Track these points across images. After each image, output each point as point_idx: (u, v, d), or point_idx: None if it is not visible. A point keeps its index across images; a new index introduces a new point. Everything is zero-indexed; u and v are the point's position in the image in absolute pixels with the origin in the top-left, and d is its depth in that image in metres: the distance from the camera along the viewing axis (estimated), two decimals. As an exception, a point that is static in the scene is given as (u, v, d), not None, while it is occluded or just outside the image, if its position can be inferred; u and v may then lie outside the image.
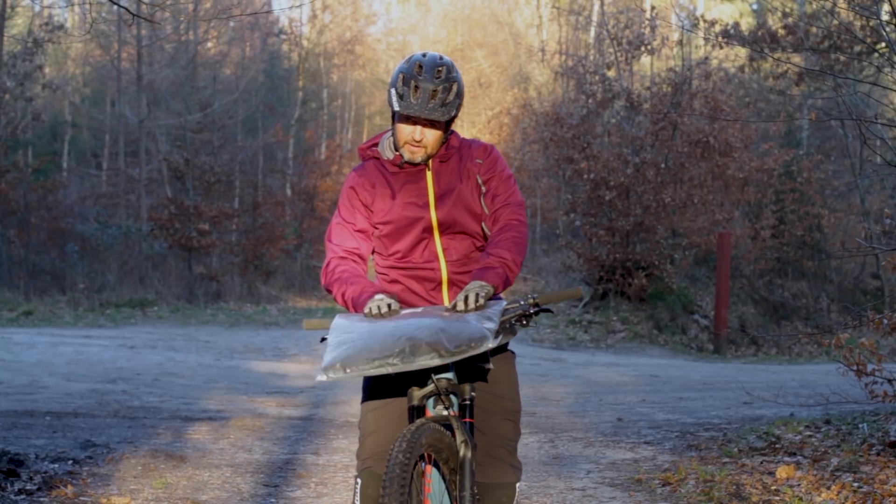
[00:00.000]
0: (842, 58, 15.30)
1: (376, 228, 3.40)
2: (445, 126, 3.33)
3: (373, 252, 3.46)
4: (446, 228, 3.35)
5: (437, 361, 2.91)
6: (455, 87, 3.27)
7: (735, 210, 19.95)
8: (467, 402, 3.17)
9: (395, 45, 33.37)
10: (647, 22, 20.34)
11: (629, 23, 20.46)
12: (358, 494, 3.22)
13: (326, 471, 6.11)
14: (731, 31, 18.51)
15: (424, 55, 3.30)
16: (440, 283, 3.37)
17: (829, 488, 5.28)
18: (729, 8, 28.39)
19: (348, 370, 2.92)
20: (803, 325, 19.49)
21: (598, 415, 8.63)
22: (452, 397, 3.18)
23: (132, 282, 20.71)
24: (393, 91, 3.27)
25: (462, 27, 31.25)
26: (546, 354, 14.32)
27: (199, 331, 16.01)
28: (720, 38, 17.77)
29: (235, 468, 6.09)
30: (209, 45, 28.38)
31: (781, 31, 18.22)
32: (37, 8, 25.48)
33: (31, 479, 5.42)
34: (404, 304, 3.32)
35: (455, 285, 3.37)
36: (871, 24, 12.22)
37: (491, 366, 3.17)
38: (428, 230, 3.35)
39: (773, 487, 5.42)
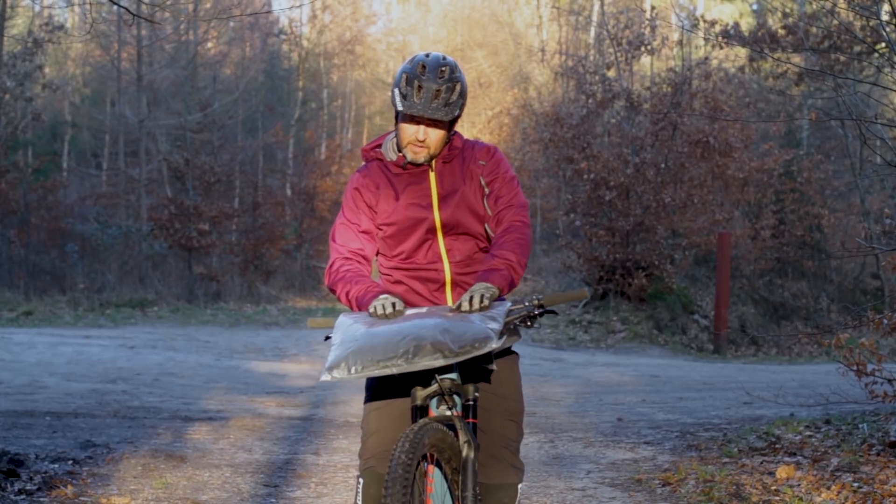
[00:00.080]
0: (842, 58, 15.29)
1: (380, 229, 3.40)
2: (449, 126, 3.34)
3: (377, 253, 3.47)
4: (450, 229, 3.35)
5: (441, 362, 2.91)
6: (458, 87, 3.27)
7: (735, 210, 19.95)
8: (471, 403, 3.17)
9: (395, 45, 33.38)
10: (647, 22, 20.35)
11: (629, 23, 20.47)
12: (360, 494, 3.22)
13: (326, 471, 6.11)
14: (731, 32, 18.50)
15: (428, 55, 3.31)
16: (444, 284, 3.37)
17: (829, 488, 5.28)
18: (729, 8, 28.39)
19: (352, 370, 2.93)
20: (803, 325, 19.49)
21: (598, 415, 8.63)
22: (456, 398, 3.18)
23: (132, 282, 20.71)
24: (396, 91, 3.28)
25: (462, 27, 31.25)
26: (546, 354, 14.32)
27: (199, 331, 16.01)
28: (720, 39, 17.77)
29: (235, 468, 6.09)
30: (209, 45, 28.38)
31: (781, 31, 18.22)
32: (37, 8, 25.50)
33: (31, 479, 5.42)
34: (408, 304, 3.32)
35: (458, 286, 3.37)
36: (871, 24, 12.21)
37: (494, 367, 3.17)
38: (431, 231, 3.35)
39: (773, 487, 5.42)
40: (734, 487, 5.43)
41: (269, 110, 28.22)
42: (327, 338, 3.14)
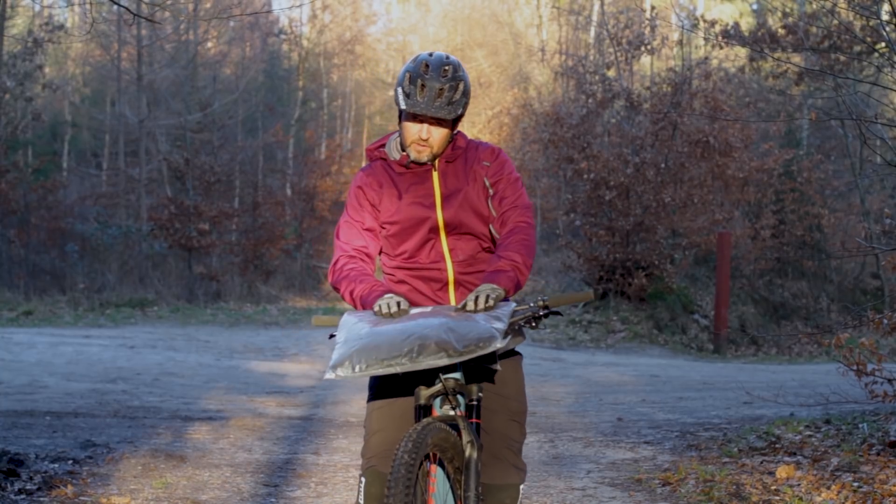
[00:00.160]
0: (842, 58, 15.30)
1: (383, 228, 3.40)
2: (452, 125, 3.34)
3: (380, 252, 3.47)
4: (452, 229, 3.36)
5: (445, 361, 2.91)
6: (461, 86, 3.28)
7: (735, 210, 19.95)
8: (474, 403, 3.17)
9: (395, 45, 33.37)
10: (647, 22, 20.36)
11: (629, 23, 20.47)
12: (362, 493, 3.22)
13: (326, 471, 6.11)
14: (731, 31, 18.50)
15: (431, 54, 3.32)
16: (446, 284, 3.37)
17: (829, 488, 5.28)
18: (729, 8, 28.39)
19: (357, 369, 2.93)
20: (803, 325, 19.49)
21: (598, 415, 8.63)
22: (459, 397, 3.18)
23: (132, 282, 20.71)
24: (399, 90, 3.28)
25: (462, 27, 31.24)
26: (546, 354, 14.32)
27: (199, 331, 16.01)
28: (720, 38, 17.77)
29: (235, 468, 6.09)
30: (209, 45, 28.38)
31: (781, 31, 18.22)
32: (37, 8, 25.50)
33: (31, 478, 5.42)
34: (411, 304, 3.32)
35: (461, 286, 3.37)
36: (871, 24, 12.21)
37: (499, 367, 3.17)
38: (434, 230, 3.35)
39: (773, 487, 5.42)
40: (734, 487, 5.44)
41: (269, 110, 28.22)
42: (332, 336, 3.14)
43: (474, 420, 3.15)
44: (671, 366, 13.56)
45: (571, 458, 6.64)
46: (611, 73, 19.58)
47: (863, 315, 7.74)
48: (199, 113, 23.71)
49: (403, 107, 3.28)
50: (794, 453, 6.26)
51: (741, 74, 23.07)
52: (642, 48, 19.44)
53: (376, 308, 3.14)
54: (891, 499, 5.01)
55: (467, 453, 3.08)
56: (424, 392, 3.14)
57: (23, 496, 5.13)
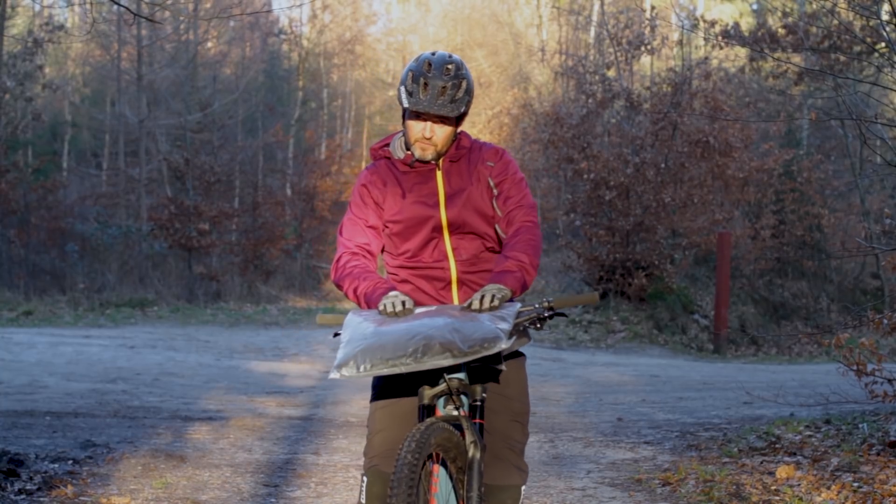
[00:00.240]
0: (842, 58, 15.30)
1: (387, 227, 3.41)
2: (455, 123, 3.35)
3: (382, 250, 3.47)
4: (456, 228, 3.36)
5: (449, 361, 2.91)
6: (464, 84, 3.29)
7: (735, 210, 19.95)
8: (478, 403, 3.17)
9: (395, 45, 33.36)
10: (647, 22, 20.36)
11: (629, 23, 20.47)
12: (364, 493, 3.22)
13: (326, 471, 6.11)
14: (731, 31, 18.50)
15: (434, 53, 3.33)
16: (450, 283, 3.37)
17: (829, 488, 5.28)
18: (729, 8, 28.39)
19: (361, 368, 2.93)
20: (803, 325, 19.49)
21: (598, 415, 8.63)
22: (463, 397, 3.18)
23: (132, 282, 20.71)
24: (403, 89, 3.30)
25: (462, 27, 31.24)
26: (546, 354, 14.32)
27: (199, 331, 16.01)
28: (720, 38, 17.78)
29: (235, 468, 6.09)
30: (209, 45, 28.38)
31: (781, 31, 18.22)
32: (37, 8, 25.50)
33: (31, 478, 5.42)
34: (415, 303, 3.32)
35: (465, 285, 3.37)
36: (871, 24, 12.21)
37: (503, 367, 3.16)
38: (437, 230, 3.36)
39: (773, 487, 5.42)
40: (734, 487, 5.44)
41: (269, 110, 28.21)
42: (336, 335, 3.14)
43: (478, 420, 3.15)
44: (671, 366, 13.56)
45: (571, 458, 6.64)
46: (611, 73, 19.58)
47: (863, 315, 7.74)
48: (199, 113, 23.71)
49: (406, 105, 3.29)
50: (794, 453, 6.26)
51: (741, 74, 23.07)
52: (642, 48, 19.44)
53: (381, 307, 3.14)
54: (891, 499, 5.01)
55: (470, 453, 3.08)
56: (428, 392, 3.14)
57: (23, 496, 5.13)
